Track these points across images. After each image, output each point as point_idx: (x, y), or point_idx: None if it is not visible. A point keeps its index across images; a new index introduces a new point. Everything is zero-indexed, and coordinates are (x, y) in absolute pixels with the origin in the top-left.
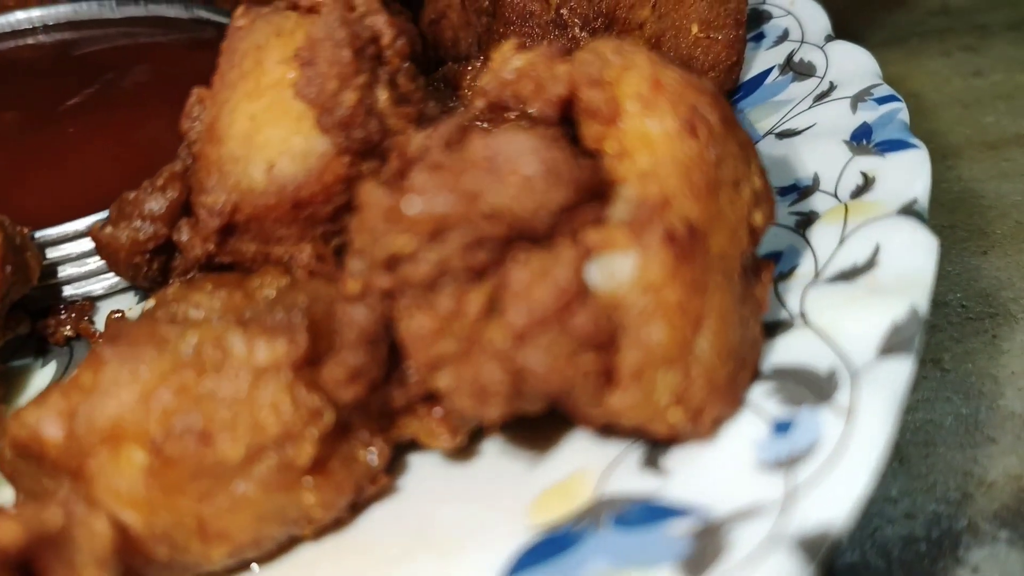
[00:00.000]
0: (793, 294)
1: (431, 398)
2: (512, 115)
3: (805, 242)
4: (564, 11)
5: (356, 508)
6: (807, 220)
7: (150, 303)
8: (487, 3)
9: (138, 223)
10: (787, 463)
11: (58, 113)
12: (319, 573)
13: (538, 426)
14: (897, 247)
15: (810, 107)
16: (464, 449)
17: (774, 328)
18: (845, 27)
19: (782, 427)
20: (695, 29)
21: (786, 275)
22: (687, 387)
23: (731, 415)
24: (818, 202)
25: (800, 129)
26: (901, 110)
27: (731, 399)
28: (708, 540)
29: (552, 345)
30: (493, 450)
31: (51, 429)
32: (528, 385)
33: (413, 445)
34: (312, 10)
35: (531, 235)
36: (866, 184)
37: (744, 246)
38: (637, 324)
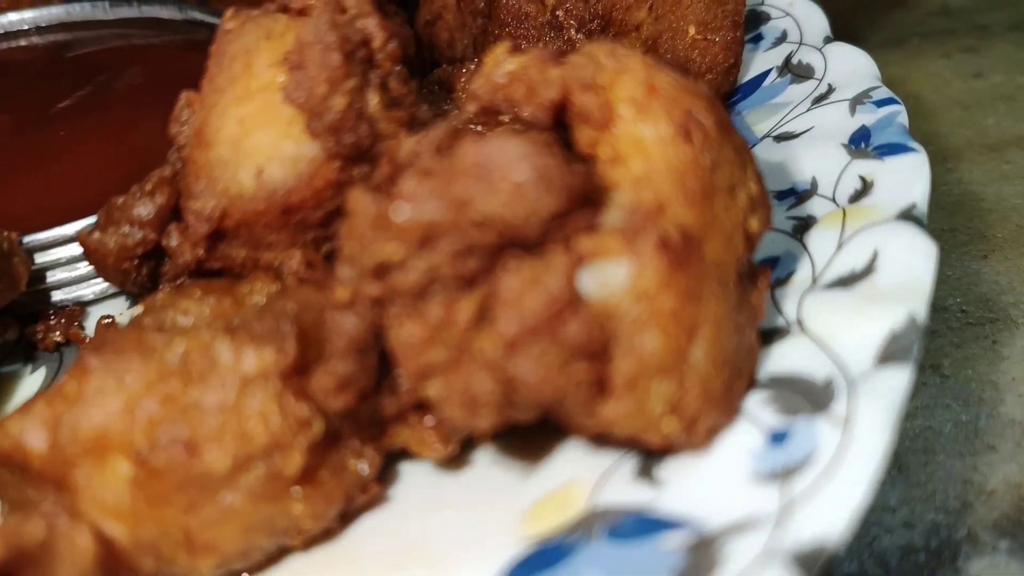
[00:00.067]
0: (790, 301)
1: (422, 406)
2: (505, 119)
3: (802, 247)
4: (560, 13)
5: (346, 518)
6: (804, 225)
7: (139, 309)
8: (482, 5)
9: (127, 228)
10: (783, 474)
11: (50, 115)
12: None
13: (531, 435)
14: (896, 253)
15: (808, 110)
16: (456, 458)
17: (770, 336)
18: (844, 28)
19: (778, 437)
20: (692, 31)
21: (783, 281)
22: (681, 396)
23: (726, 425)
24: (816, 206)
25: (798, 132)
26: (900, 113)
27: (726, 408)
28: (702, 554)
29: (544, 354)
30: (485, 460)
31: (34, 439)
32: (519, 395)
33: (404, 454)
34: (302, 13)
35: (522, 242)
36: (864, 188)
37: (740, 252)
38: (630, 333)
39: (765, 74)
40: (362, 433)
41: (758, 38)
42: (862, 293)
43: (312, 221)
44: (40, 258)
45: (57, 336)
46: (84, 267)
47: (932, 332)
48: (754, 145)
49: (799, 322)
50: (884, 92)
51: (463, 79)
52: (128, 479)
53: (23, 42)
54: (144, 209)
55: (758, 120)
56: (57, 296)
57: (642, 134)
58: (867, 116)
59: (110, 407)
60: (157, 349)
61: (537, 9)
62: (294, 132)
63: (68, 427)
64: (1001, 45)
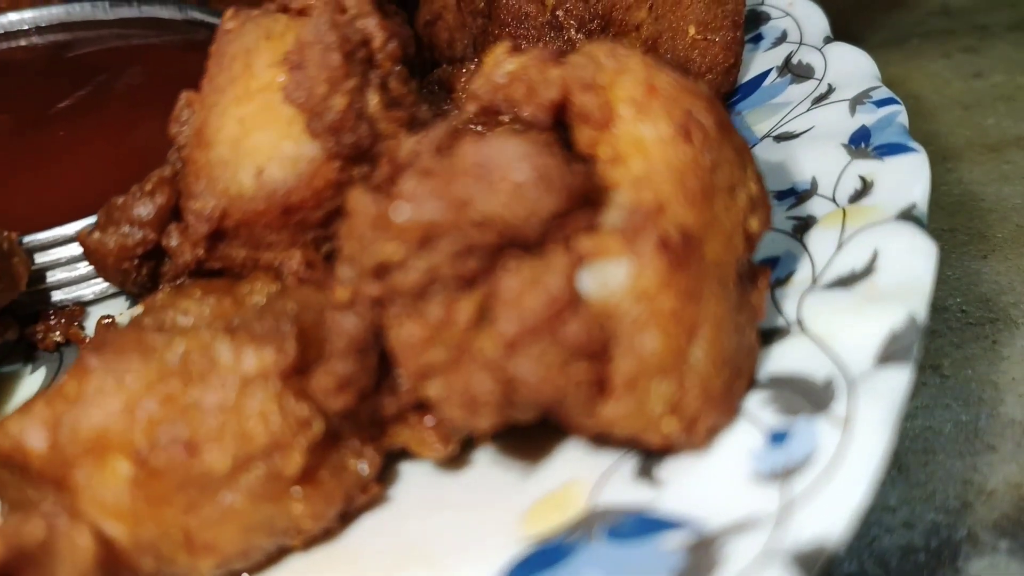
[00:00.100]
0: (790, 301)
1: (422, 406)
2: (505, 119)
3: (802, 247)
4: (560, 13)
5: (346, 518)
6: (805, 225)
7: (139, 309)
8: (482, 5)
9: (126, 228)
10: (783, 474)
11: (50, 115)
12: None
13: (531, 435)
14: (896, 253)
15: (808, 110)
16: (456, 458)
17: (770, 336)
18: (844, 28)
19: (778, 437)
20: (692, 31)
21: (783, 281)
22: (681, 396)
23: (726, 425)
24: (816, 206)
25: (798, 132)
26: (900, 113)
27: (726, 408)
28: (702, 554)
29: (543, 354)
30: (485, 459)
31: (34, 439)
32: (519, 395)
33: (404, 454)
34: (302, 12)
35: (522, 242)
36: (865, 188)
37: (740, 252)
38: (630, 333)
39: (765, 74)
40: (362, 433)
41: (758, 38)
42: (862, 293)
43: (312, 221)
44: (40, 258)
45: (57, 336)
46: (84, 267)
47: (932, 332)
48: (754, 145)
49: (799, 322)
50: (884, 92)
51: (463, 79)
52: (128, 479)
53: (23, 42)
54: (144, 209)
55: (758, 120)
56: (57, 296)
57: (642, 134)
58: (867, 116)
59: (110, 407)
60: (157, 349)
61: (537, 9)
62: (294, 132)
63: (68, 427)
64: (1001, 45)
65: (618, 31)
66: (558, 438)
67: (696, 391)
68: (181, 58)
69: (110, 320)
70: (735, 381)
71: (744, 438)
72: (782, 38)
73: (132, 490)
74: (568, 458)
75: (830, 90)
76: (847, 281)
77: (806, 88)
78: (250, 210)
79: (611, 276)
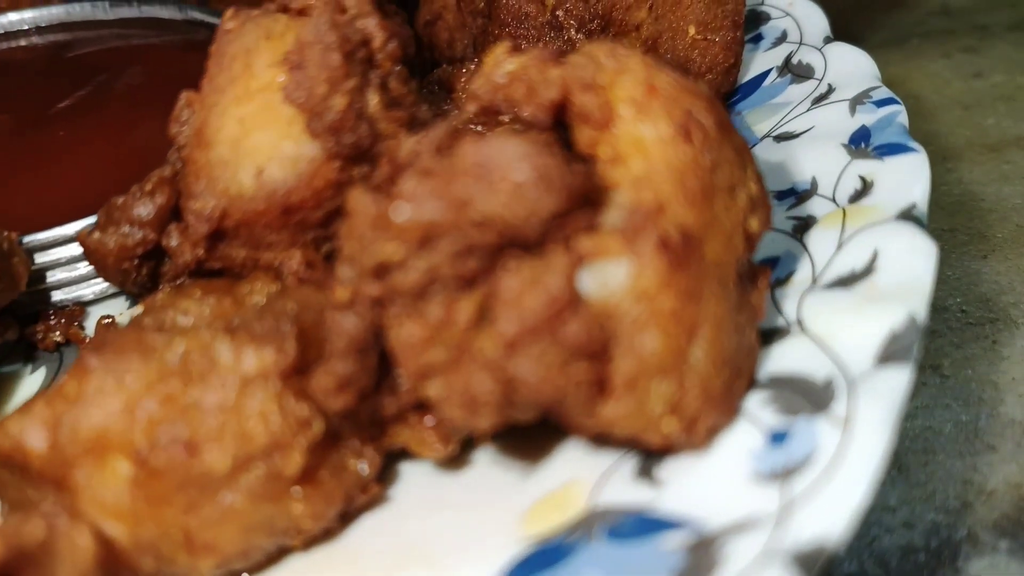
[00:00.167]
0: (790, 301)
1: (422, 406)
2: (505, 119)
3: (802, 247)
4: (560, 13)
5: (346, 518)
6: (805, 225)
7: (139, 309)
8: (482, 5)
9: (126, 228)
10: (783, 474)
11: (50, 115)
12: None
13: (531, 435)
14: (896, 253)
15: (808, 110)
16: (456, 458)
17: (770, 336)
18: (844, 28)
19: (778, 437)
20: (692, 31)
21: (783, 281)
22: (681, 396)
23: (726, 425)
24: (816, 206)
25: (798, 132)
26: (900, 113)
27: (726, 408)
28: (702, 554)
29: (543, 354)
30: (485, 459)
31: (34, 439)
32: (519, 395)
33: (404, 454)
34: (302, 12)
35: (522, 242)
36: (864, 188)
37: (740, 252)
38: (630, 333)
39: (765, 74)
40: (362, 433)
41: (758, 38)
42: (862, 293)
43: (312, 221)
44: (40, 258)
45: (57, 336)
46: (84, 267)
47: (932, 332)
48: (754, 145)
49: (799, 322)
50: (884, 92)
51: (463, 79)
52: (128, 479)
53: (23, 42)
54: (144, 209)
55: (758, 120)
56: (57, 296)
57: (642, 134)
58: (867, 116)
59: (110, 407)
60: (157, 349)
61: (537, 9)
62: (294, 132)
63: (68, 427)
64: (1001, 45)
65: (618, 31)
66: (558, 438)
67: (696, 391)
68: (181, 58)
69: (110, 320)
70: (735, 381)
71: (744, 438)
72: (782, 38)
73: (132, 490)
74: (568, 458)
75: (830, 90)
76: (847, 281)
77: (806, 88)
78: (250, 210)
79: (611, 276)
